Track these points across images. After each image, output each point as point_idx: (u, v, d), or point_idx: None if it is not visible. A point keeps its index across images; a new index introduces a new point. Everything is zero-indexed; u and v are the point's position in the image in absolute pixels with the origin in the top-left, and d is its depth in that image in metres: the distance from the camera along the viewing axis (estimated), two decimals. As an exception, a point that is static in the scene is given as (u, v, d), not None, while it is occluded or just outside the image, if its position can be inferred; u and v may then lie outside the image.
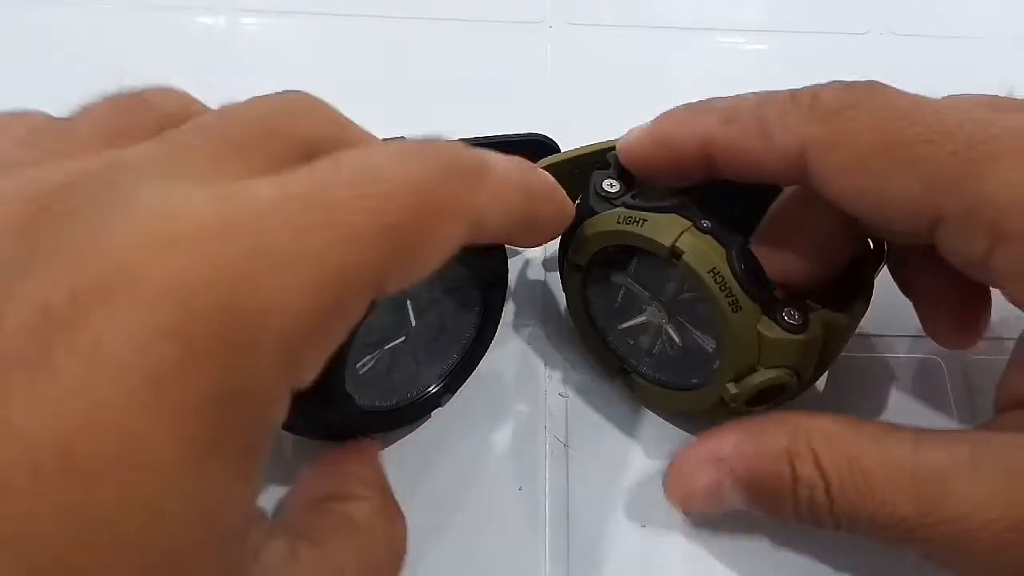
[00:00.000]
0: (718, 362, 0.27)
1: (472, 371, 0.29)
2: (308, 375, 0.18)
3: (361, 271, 0.18)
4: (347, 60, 0.42)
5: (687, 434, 0.30)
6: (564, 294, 0.31)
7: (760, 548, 0.28)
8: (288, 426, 0.26)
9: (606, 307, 0.30)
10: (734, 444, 0.25)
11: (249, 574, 0.18)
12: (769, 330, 0.25)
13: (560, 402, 0.31)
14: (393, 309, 0.26)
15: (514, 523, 0.28)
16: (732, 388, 0.26)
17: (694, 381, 0.28)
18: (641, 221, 0.26)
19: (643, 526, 0.28)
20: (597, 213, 0.27)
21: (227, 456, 0.16)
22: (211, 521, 0.16)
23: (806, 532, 0.28)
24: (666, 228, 0.26)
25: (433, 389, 0.29)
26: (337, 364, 0.24)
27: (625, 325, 0.29)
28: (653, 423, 0.30)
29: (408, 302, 0.26)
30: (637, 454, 0.30)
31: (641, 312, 0.29)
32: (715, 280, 0.25)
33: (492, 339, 0.29)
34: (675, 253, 0.25)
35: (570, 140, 0.31)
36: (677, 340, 0.28)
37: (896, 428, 0.24)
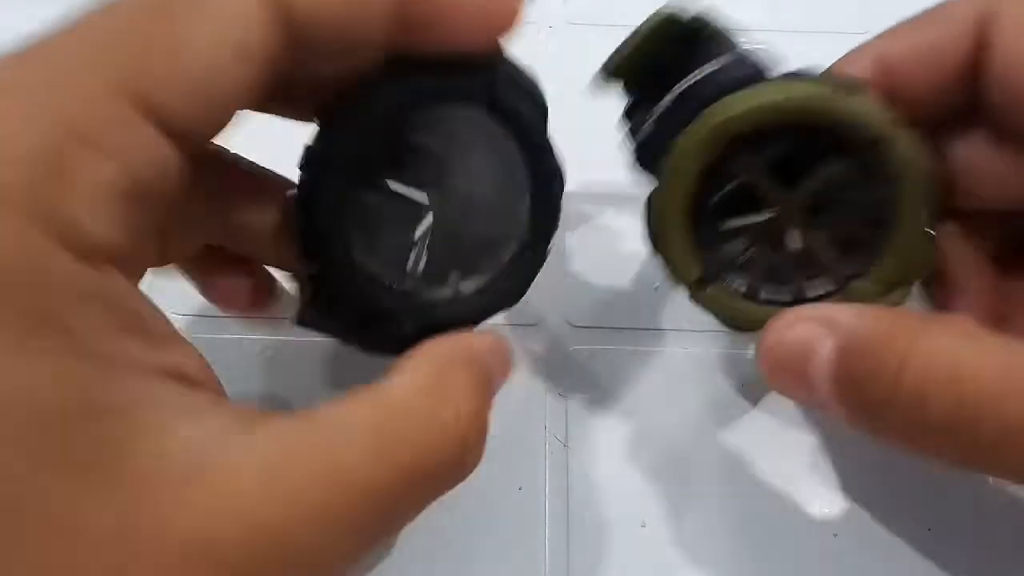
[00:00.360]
0: (868, 269, 0.25)
1: (534, 267, 0.25)
2: (91, 228, 0.17)
3: (96, 82, 0.17)
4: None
5: (689, 433, 0.30)
6: (661, 177, 0.25)
7: (761, 547, 0.28)
8: (370, 349, 0.25)
9: (708, 200, 0.25)
10: (853, 312, 0.22)
11: (122, 453, 0.16)
12: (933, 244, 0.24)
13: (560, 402, 0.31)
14: (386, 194, 0.24)
15: (514, 523, 0.28)
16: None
17: (796, 294, 0.26)
18: (838, 98, 0.23)
19: (643, 526, 0.28)
20: (739, 87, 0.24)
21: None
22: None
23: (809, 532, 0.28)
24: (872, 110, 0.23)
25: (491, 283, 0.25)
26: (358, 285, 0.23)
27: (733, 224, 0.25)
28: (654, 423, 0.30)
29: (388, 183, 0.24)
30: (637, 454, 0.30)
31: (761, 210, 0.25)
32: (920, 180, 0.23)
33: (550, 237, 0.25)
34: (886, 140, 0.23)
35: (571, 140, 0.31)
36: (796, 246, 0.25)
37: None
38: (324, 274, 0.23)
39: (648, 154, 0.26)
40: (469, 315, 0.25)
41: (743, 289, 0.26)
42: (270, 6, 0.18)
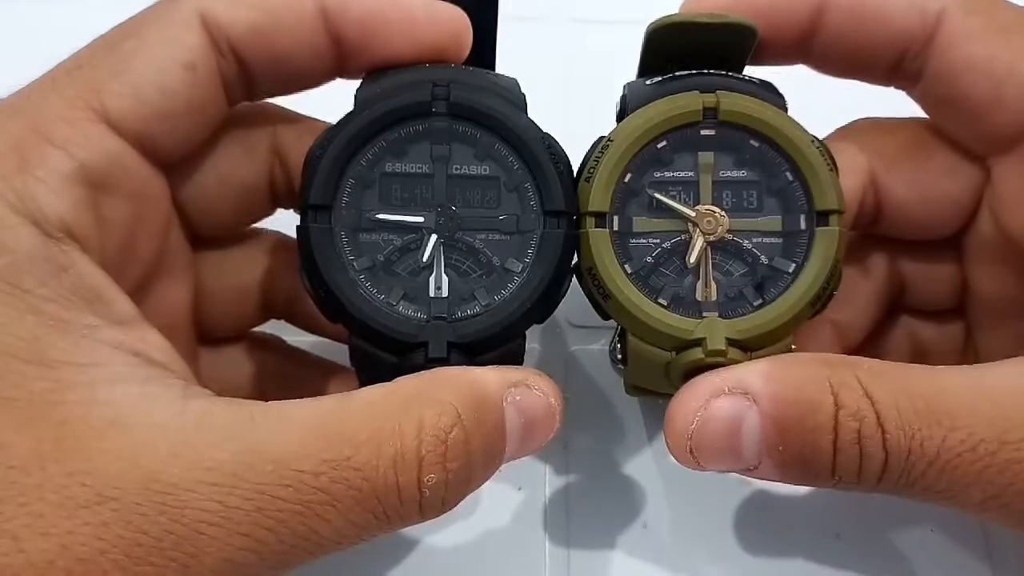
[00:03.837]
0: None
1: (563, 249, 0.24)
2: (47, 203, 0.20)
3: (59, 96, 0.21)
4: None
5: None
6: (627, 119, 0.25)
7: (763, 548, 0.28)
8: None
9: (649, 172, 0.25)
10: (761, 373, 0.21)
11: (53, 398, 0.19)
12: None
13: (560, 402, 0.31)
14: (381, 228, 0.24)
15: (514, 523, 0.28)
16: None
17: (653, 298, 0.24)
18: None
19: (643, 526, 0.28)
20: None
21: None
22: None
23: (811, 533, 0.28)
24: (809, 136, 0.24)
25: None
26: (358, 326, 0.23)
27: (660, 196, 0.24)
28: (654, 423, 0.30)
29: (351, 180, 0.24)
30: (637, 454, 0.30)
31: (691, 207, 0.24)
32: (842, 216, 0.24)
33: (567, 207, 0.24)
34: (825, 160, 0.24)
35: (570, 139, 0.31)
36: (691, 261, 0.24)
37: (945, 366, 0.22)
38: (352, 329, 0.23)
39: (632, 103, 0.25)
40: (495, 328, 0.23)
41: (627, 266, 0.24)
42: (206, 32, 0.22)
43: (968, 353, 0.28)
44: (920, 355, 0.29)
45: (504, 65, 0.44)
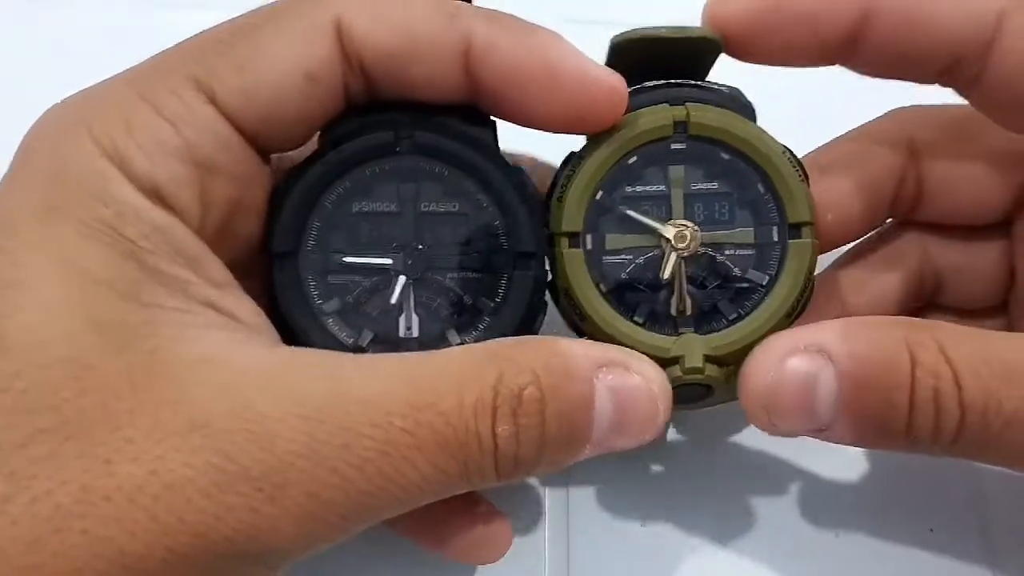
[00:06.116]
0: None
1: (533, 289, 0.24)
2: (146, 170, 0.20)
3: (174, 72, 0.21)
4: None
5: (689, 433, 0.30)
6: (600, 134, 0.24)
7: (761, 547, 0.28)
8: None
9: (621, 188, 0.25)
10: (838, 331, 0.21)
11: (145, 332, 0.19)
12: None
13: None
14: (348, 270, 0.24)
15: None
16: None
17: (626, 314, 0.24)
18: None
19: (643, 525, 0.28)
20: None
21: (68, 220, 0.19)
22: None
23: (809, 532, 0.28)
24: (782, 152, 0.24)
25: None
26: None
27: (632, 212, 0.24)
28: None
29: (317, 218, 0.24)
30: (637, 454, 0.30)
31: (664, 224, 0.24)
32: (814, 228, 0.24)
33: (538, 245, 0.24)
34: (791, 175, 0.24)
35: (569, 142, 0.31)
36: (665, 277, 0.24)
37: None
38: None
39: None
40: None
41: (601, 285, 0.24)
42: (338, 42, 0.21)
43: None
44: None
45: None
